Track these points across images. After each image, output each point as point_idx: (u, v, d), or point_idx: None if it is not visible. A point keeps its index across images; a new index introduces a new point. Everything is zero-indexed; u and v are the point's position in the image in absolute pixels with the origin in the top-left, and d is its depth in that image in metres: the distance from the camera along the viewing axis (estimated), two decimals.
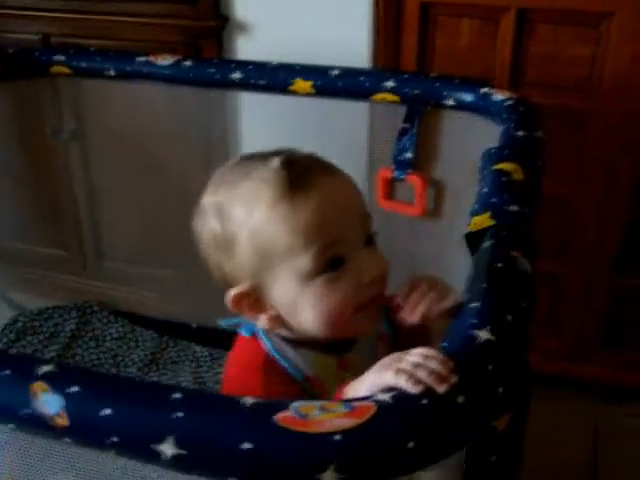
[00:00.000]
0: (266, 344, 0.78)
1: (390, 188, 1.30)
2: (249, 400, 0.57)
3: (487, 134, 1.12)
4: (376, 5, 1.41)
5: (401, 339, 0.81)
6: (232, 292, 0.77)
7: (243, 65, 1.30)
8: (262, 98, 1.39)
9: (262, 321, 0.77)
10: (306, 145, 1.65)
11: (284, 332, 0.79)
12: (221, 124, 1.57)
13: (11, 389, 0.60)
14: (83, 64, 1.35)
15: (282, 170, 0.74)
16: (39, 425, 0.59)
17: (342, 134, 1.44)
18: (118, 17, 1.51)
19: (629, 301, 1.51)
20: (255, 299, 0.77)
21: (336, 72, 1.25)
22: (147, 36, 1.51)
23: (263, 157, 0.78)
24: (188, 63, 1.31)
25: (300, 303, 0.74)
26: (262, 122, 1.56)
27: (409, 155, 1.25)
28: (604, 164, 1.43)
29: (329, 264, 0.73)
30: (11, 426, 0.61)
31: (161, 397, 0.57)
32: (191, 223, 0.81)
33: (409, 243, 1.32)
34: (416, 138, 1.24)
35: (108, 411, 0.57)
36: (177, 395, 0.57)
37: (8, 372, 0.61)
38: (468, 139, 1.18)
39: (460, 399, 0.56)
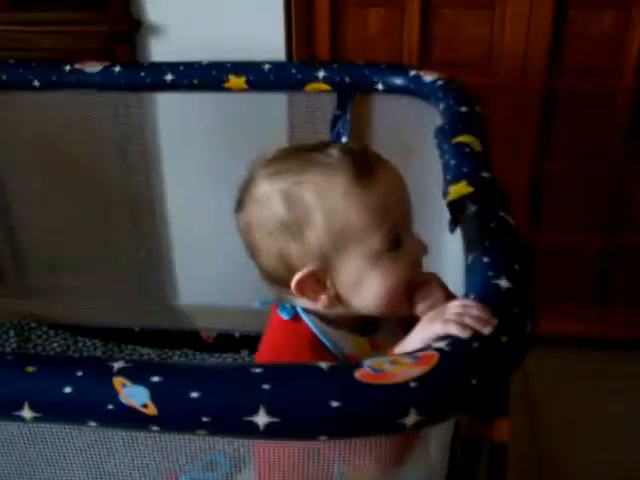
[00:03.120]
0: (310, 325, 0.83)
1: None
2: (324, 365, 0.62)
3: (419, 114, 1.22)
4: (288, 2, 1.47)
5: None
6: (298, 275, 0.80)
7: (174, 66, 1.31)
8: (177, 97, 1.41)
9: (323, 301, 0.81)
10: (230, 140, 1.68)
11: (328, 313, 0.83)
12: (138, 126, 1.57)
13: (95, 387, 0.63)
14: (7, 76, 1.32)
15: (347, 157, 0.80)
16: (127, 418, 0.62)
17: (265, 127, 1.49)
18: (27, 27, 1.48)
19: (542, 254, 1.67)
20: (317, 280, 0.81)
21: (268, 66, 1.29)
22: (59, 44, 1.50)
23: (314, 148, 0.82)
24: (117, 68, 1.31)
25: (366, 281, 0.80)
26: (179, 120, 1.58)
27: (344, 140, 1.32)
28: (509, 134, 1.57)
29: (393, 243, 0.80)
30: (93, 424, 0.64)
31: (243, 373, 0.62)
32: (234, 216, 0.85)
33: None
34: (350, 123, 1.31)
35: (195, 394, 0.60)
36: (258, 369, 0.62)
37: (82, 373, 0.64)
38: (401, 120, 1.27)
39: (503, 338, 0.65)
